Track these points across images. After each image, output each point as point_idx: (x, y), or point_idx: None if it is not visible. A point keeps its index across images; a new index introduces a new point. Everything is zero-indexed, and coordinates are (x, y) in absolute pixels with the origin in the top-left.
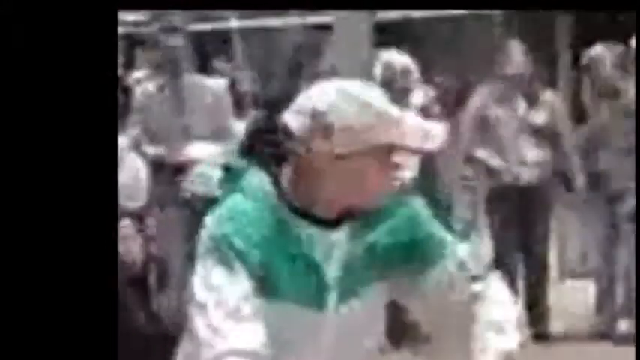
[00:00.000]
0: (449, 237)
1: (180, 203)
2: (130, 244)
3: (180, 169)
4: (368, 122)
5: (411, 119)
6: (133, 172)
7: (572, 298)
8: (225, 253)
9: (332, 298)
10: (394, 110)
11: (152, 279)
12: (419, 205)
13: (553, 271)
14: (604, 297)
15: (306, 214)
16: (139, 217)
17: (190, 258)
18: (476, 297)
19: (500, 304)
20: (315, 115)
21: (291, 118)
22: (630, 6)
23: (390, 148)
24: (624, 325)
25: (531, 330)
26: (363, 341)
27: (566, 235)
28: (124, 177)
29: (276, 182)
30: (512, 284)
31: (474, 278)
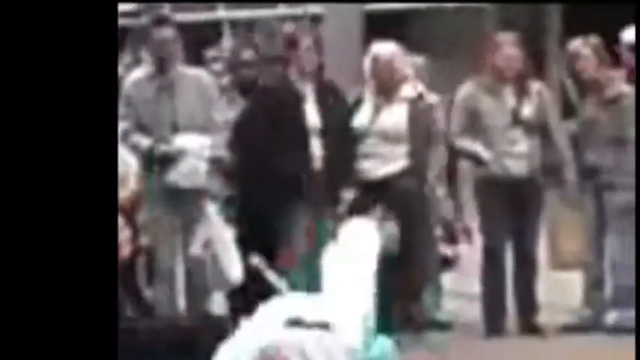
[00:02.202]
0: None
1: (168, 194)
2: (118, 236)
3: (169, 160)
4: None
5: None
6: (121, 163)
7: (562, 290)
8: None
9: None
10: None
11: (140, 271)
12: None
13: (543, 263)
14: (593, 289)
15: None
16: (127, 208)
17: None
18: None
19: None
20: None
21: None
22: None
23: None
24: (613, 317)
25: (520, 321)
26: None
27: (556, 227)
28: None
29: None
30: (502, 276)
31: None
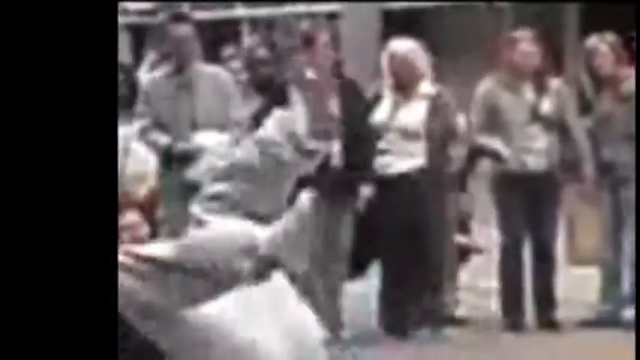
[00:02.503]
0: None
1: (186, 191)
2: (137, 233)
3: (188, 157)
4: None
5: None
6: (140, 160)
7: (579, 285)
8: None
9: None
10: None
11: None
12: None
13: (560, 259)
14: (610, 285)
15: None
16: (146, 205)
17: None
18: None
19: None
20: None
21: None
22: None
23: None
24: (630, 313)
25: (538, 317)
26: None
27: (574, 223)
28: (131, 166)
29: None
30: (520, 272)
31: None
